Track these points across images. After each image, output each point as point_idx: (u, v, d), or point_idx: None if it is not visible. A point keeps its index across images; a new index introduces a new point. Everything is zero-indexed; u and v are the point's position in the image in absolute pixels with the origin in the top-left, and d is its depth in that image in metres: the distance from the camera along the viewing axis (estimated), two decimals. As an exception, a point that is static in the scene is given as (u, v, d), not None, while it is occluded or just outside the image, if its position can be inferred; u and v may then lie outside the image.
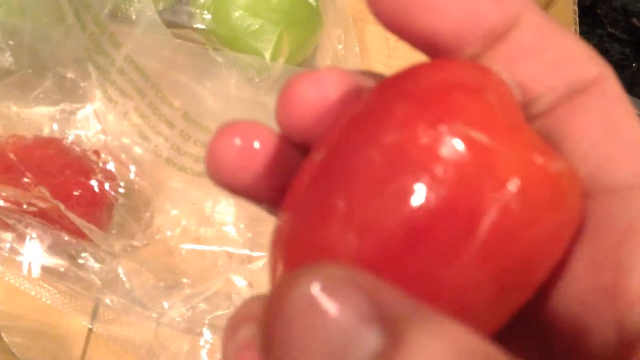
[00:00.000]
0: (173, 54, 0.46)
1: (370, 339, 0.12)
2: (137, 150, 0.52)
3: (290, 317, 0.12)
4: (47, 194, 0.43)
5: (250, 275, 0.54)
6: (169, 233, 0.50)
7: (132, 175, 0.50)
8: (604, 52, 0.72)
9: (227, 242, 0.55)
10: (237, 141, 0.19)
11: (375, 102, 0.17)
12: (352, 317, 0.12)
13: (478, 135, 0.15)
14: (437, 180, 0.15)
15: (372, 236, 0.15)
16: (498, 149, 0.15)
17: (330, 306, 0.12)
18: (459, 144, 0.15)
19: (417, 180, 0.15)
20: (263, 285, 0.54)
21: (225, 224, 0.56)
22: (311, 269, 0.13)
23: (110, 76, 0.45)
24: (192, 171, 0.50)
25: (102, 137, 0.53)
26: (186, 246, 0.54)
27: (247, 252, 0.54)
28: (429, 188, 0.15)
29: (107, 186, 0.46)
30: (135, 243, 0.48)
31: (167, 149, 0.47)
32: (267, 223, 0.58)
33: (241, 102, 0.48)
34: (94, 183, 0.46)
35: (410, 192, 0.15)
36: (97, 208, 0.47)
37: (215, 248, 0.53)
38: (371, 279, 0.13)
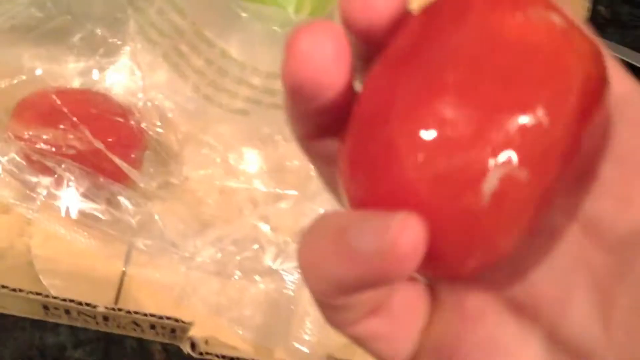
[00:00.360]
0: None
1: None
2: (168, 103, 0.54)
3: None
4: (88, 133, 0.45)
5: (274, 220, 0.57)
6: (202, 172, 0.53)
7: (162, 123, 0.52)
8: (615, 13, 0.74)
9: (252, 191, 0.58)
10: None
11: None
12: None
13: (555, 17, 0.18)
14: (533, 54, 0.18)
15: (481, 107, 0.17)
16: (571, 29, 0.18)
17: None
18: (543, 24, 0.18)
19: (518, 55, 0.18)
20: (285, 229, 0.57)
21: (249, 173, 0.59)
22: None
23: (149, 17, 0.47)
24: (227, 107, 0.52)
25: (130, 95, 0.56)
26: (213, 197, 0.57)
27: (271, 197, 0.57)
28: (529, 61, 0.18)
29: (144, 125, 0.48)
30: (173, 180, 0.51)
31: (205, 86, 0.50)
32: (290, 174, 0.60)
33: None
34: (132, 124, 0.48)
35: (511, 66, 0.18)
36: (134, 148, 0.49)
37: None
38: None
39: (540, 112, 0.17)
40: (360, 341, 0.21)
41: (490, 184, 0.17)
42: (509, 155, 0.17)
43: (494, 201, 0.17)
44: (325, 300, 0.19)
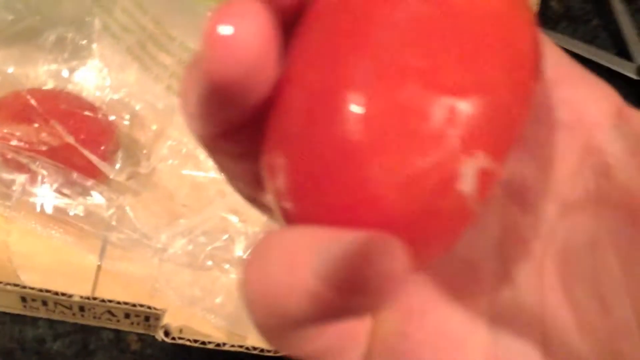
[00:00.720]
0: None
1: None
2: (137, 99, 0.56)
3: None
4: (60, 128, 0.47)
5: (243, 212, 0.59)
6: (170, 162, 0.55)
7: (131, 118, 0.55)
8: (567, 7, 0.77)
9: (221, 183, 0.60)
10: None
11: None
12: None
13: None
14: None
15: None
16: None
17: None
18: None
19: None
20: (254, 221, 0.59)
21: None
22: None
23: (113, 14, 0.50)
24: None
25: (100, 93, 0.58)
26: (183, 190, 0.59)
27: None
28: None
29: (112, 119, 0.51)
30: (141, 170, 0.53)
31: (167, 78, 0.52)
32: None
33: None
34: (101, 118, 0.51)
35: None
36: (103, 143, 0.52)
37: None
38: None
39: (504, 92, 0.16)
40: (307, 358, 0.18)
41: (467, 183, 0.15)
42: (479, 149, 0.15)
43: (472, 200, 0.16)
44: (274, 334, 0.16)
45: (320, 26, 0.16)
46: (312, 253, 0.15)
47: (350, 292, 0.14)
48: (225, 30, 0.15)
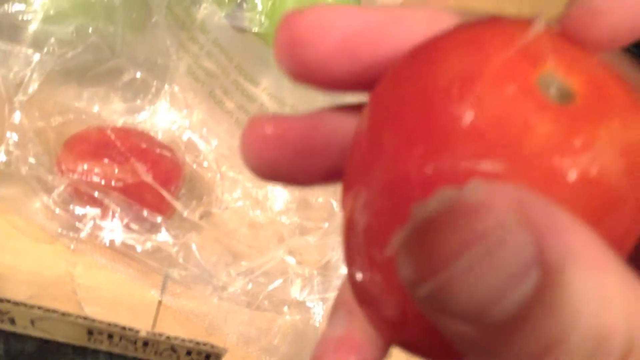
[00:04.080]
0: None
1: (531, 279, 0.12)
2: (202, 144, 0.58)
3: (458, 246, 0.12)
4: (139, 166, 0.48)
5: (300, 253, 0.60)
6: (239, 204, 0.56)
7: (198, 158, 0.56)
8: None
9: (278, 226, 0.61)
10: (269, 130, 0.19)
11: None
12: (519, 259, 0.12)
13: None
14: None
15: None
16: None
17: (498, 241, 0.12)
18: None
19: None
20: (311, 262, 0.60)
21: (275, 209, 0.62)
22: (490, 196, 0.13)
23: (198, 59, 0.52)
24: None
25: (174, 132, 0.60)
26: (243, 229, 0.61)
27: (297, 230, 0.60)
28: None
29: (187, 159, 0.52)
30: (214, 210, 0.54)
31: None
32: (314, 210, 0.64)
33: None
34: (173, 158, 0.52)
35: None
36: (175, 181, 0.53)
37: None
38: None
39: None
40: None
41: None
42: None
43: None
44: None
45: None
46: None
47: None
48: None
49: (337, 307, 0.20)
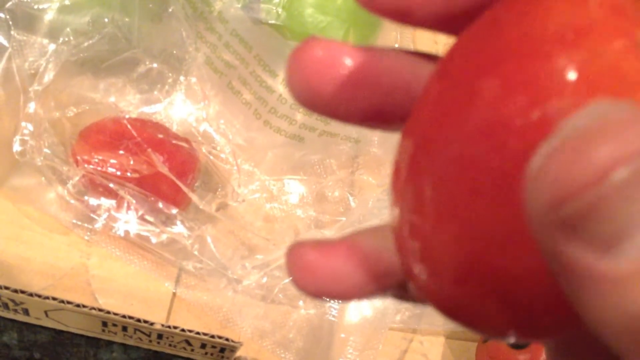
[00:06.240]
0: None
1: None
2: (219, 136, 0.58)
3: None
4: (155, 157, 0.48)
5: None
6: (257, 195, 0.56)
7: (215, 150, 0.56)
8: None
9: (294, 219, 0.61)
10: (320, 53, 0.18)
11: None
12: None
13: None
14: None
15: None
16: None
17: None
18: None
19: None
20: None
21: (291, 202, 0.62)
22: None
23: (216, 50, 0.51)
24: (285, 133, 0.55)
25: (191, 124, 0.59)
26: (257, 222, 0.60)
27: (313, 224, 0.60)
28: None
29: (203, 150, 0.52)
30: (230, 202, 0.54)
31: (266, 113, 0.53)
32: (330, 204, 0.63)
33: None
34: (190, 149, 0.52)
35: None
36: (189, 172, 0.52)
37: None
38: None
39: None
40: None
41: None
42: None
43: None
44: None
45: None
46: None
47: None
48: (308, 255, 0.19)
49: None
